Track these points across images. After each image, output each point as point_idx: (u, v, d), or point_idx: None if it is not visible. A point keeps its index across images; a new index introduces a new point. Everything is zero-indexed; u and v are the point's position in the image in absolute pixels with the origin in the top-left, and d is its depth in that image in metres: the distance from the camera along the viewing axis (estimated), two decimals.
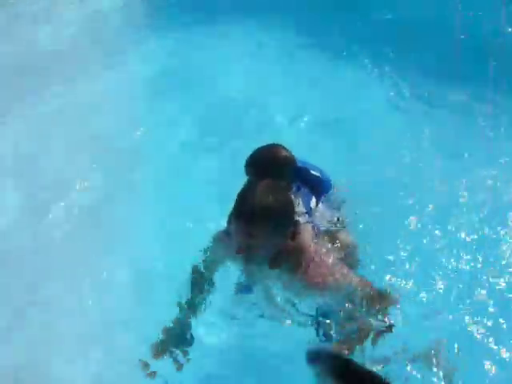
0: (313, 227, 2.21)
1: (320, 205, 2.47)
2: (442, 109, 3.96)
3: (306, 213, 2.28)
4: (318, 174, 2.52)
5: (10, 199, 3.50)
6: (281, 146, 2.36)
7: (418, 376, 2.10)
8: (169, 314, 2.30)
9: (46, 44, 5.36)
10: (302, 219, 2.15)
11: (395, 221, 2.88)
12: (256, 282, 2.24)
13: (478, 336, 2.38)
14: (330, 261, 2.05)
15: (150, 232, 3.13)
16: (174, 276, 2.45)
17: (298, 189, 2.39)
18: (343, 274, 2.00)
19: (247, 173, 2.32)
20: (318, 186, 2.52)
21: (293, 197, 2.16)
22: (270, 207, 1.84)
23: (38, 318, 2.78)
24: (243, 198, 1.91)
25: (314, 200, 2.43)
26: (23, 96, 4.44)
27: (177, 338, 2.24)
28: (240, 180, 2.24)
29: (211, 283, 2.35)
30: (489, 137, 3.59)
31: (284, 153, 2.33)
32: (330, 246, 2.28)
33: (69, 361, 2.56)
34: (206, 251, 2.32)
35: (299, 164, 2.44)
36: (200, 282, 2.34)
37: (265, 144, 2.39)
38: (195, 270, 2.35)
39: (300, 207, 2.27)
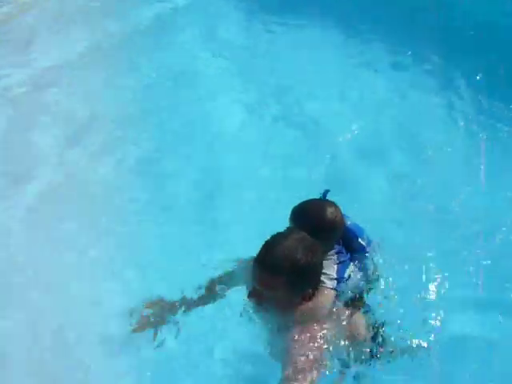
0: (336, 296, 2.09)
1: (357, 274, 2.28)
2: None
3: (337, 280, 2.13)
4: (363, 244, 2.34)
5: None
6: (334, 205, 2.19)
7: None
8: None
9: None
10: (328, 283, 2.07)
11: None
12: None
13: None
14: (318, 351, 1.89)
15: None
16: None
17: (338, 252, 2.22)
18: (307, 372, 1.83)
19: (291, 219, 2.19)
20: (361, 255, 2.34)
21: (328, 260, 2.09)
22: (294, 263, 1.80)
23: None
24: (271, 244, 1.86)
25: (351, 268, 2.24)
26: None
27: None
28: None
29: (216, 298, 2.33)
30: None
31: (335, 215, 2.14)
32: (344, 323, 2.08)
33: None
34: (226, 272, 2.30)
35: (348, 226, 2.29)
36: (207, 297, 2.32)
37: (320, 198, 2.28)
38: (207, 287, 2.31)
39: (331, 271, 2.12)
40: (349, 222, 2.30)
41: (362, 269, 2.31)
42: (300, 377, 1.78)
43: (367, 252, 2.34)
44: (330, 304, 2.02)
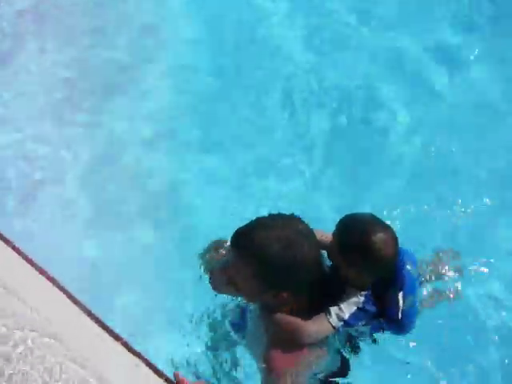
0: (334, 329, 1.75)
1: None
2: None
3: (345, 323, 1.75)
4: (398, 317, 1.80)
5: None
6: (390, 233, 1.71)
7: None
8: None
9: None
10: (333, 319, 1.73)
11: None
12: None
13: None
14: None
15: None
16: None
17: (368, 298, 1.79)
18: None
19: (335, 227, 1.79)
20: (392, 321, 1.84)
21: (353, 297, 1.73)
22: (265, 255, 1.54)
23: None
24: (256, 224, 1.61)
25: (363, 323, 1.80)
26: None
27: None
28: None
29: None
30: None
31: (383, 247, 1.67)
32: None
33: None
34: None
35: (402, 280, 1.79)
36: None
37: (377, 218, 1.76)
38: None
39: (346, 311, 1.75)
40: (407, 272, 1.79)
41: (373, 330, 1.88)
42: None
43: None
44: (318, 337, 1.72)
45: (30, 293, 1.66)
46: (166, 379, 1.55)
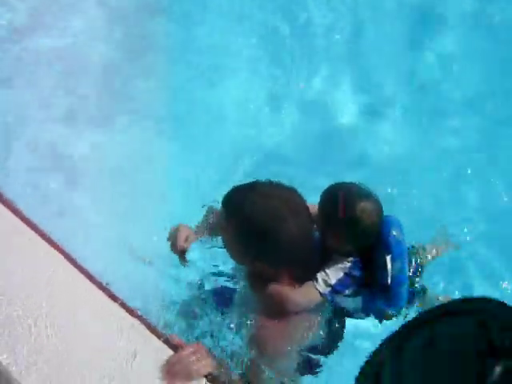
0: (322, 296, 1.72)
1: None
2: None
3: (333, 288, 1.73)
4: (387, 281, 1.72)
5: None
6: (375, 203, 1.68)
7: None
8: None
9: None
10: (320, 285, 1.70)
11: None
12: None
13: None
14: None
15: None
16: None
17: (355, 263, 1.76)
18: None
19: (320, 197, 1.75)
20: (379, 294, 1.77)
21: (338, 263, 1.70)
22: (250, 223, 1.52)
23: None
24: (249, 189, 1.58)
25: (351, 291, 1.76)
26: None
27: None
28: None
29: None
30: None
31: (366, 218, 1.65)
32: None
33: None
34: None
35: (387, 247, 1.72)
36: None
37: (361, 187, 1.73)
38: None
39: (333, 276, 1.72)
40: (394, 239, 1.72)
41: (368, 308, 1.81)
42: None
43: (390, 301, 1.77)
44: (306, 305, 1.70)
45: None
46: (165, 340, 1.57)
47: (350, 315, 1.85)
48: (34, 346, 1.47)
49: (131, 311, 1.59)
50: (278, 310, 1.65)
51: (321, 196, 1.73)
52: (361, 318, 1.89)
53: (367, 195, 1.69)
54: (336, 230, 1.69)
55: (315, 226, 1.71)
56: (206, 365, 1.50)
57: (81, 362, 1.47)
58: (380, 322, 1.85)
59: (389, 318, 1.82)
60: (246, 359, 1.68)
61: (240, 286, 1.88)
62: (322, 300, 1.70)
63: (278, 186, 1.58)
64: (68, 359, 1.47)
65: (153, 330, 1.57)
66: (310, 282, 1.69)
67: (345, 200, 1.65)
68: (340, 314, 1.82)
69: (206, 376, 1.50)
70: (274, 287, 1.64)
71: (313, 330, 1.72)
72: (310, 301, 1.69)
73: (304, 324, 1.70)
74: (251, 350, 1.67)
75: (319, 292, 1.69)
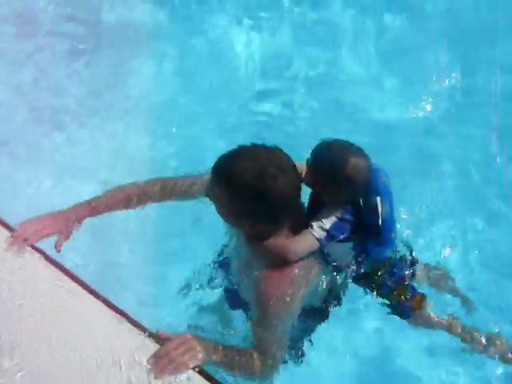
0: (319, 242, 1.74)
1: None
2: None
3: (328, 233, 1.75)
4: (378, 222, 1.80)
5: None
6: (364, 158, 1.72)
7: None
8: None
9: None
10: (316, 231, 1.73)
11: None
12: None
13: None
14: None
15: None
16: None
17: (346, 210, 1.79)
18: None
19: (310, 154, 1.78)
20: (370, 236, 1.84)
21: (331, 209, 1.74)
22: (239, 184, 1.54)
23: None
24: (233, 154, 1.59)
25: (345, 236, 1.80)
26: None
27: None
28: None
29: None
30: None
31: (357, 173, 1.69)
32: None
33: None
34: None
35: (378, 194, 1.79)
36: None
37: (350, 143, 1.75)
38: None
39: (327, 221, 1.75)
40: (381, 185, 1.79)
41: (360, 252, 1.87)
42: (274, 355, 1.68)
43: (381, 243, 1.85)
44: (304, 252, 1.71)
45: None
46: (150, 334, 1.53)
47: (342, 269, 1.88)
48: None
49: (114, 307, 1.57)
50: (279, 262, 1.68)
51: (311, 153, 1.75)
52: (353, 278, 1.94)
53: (357, 150, 1.72)
54: (328, 186, 1.74)
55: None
56: (195, 355, 1.49)
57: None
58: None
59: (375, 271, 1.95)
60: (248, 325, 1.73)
61: (235, 252, 1.91)
62: (318, 245, 1.73)
63: (263, 148, 1.60)
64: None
65: (135, 324, 1.54)
66: (306, 230, 1.72)
67: (336, 156, 1.70)
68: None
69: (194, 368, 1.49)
70: (272, 241, 1.68)
71: (315, 276, 1.77)
72: (309, 247, 1.72)
73: (306, 269, 1.72)
74: (257, 303, 1.69)
75: (315, 238, 1.72)
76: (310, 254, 1.73)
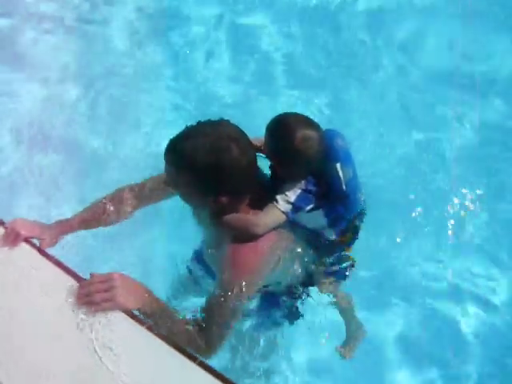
0: (285, 215, 1.75)
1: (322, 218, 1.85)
2: None
3: (294, 206, 1.74)
4: (343, 188, 1.79)
5: None
6: (316, 130, 1.71)
7: None
8: None
9: None
10: (281, 204, 1.73)
11: None
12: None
13: None
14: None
15: None
16: None
17: (309, 181, 1.80)
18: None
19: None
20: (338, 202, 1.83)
21: (294, 183, 1.75)
22: (192, 163, 1.55)
23: None
24: (181, 136, 1.60)
25: (311, 206, 1.80)
26: None
27: None
28: None
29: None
30: None
31: (307, 146, 1.68)
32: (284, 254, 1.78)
33: None
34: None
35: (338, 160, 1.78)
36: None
37: (304, 116, 1.75)
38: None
39: (291, 194, 1.74)
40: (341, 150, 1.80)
41: (333, 219, 1.86)
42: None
43: (347, 204, 1.84)
44: (270, 225, 1.71)
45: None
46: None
47: (320, 237, 1.90)
48: None
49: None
50: (245, 237, 1.67)
51: (266, 128, 1.76)
52: (330, 243, 1.93)
53: (306, 124, 1.72)
54: (281, 161, 1.75)
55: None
56: (116, 297, 1.44)
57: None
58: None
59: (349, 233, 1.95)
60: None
61: (205, 237, 1.96)
62: (284, 219, 1.73)
63: (209, 123, 1.62)
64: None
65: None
66: (271, 204, 1.73)
67: (287, 130, 1.70)
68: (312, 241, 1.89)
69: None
70: (236, 216, 1.69)
71: (282, 248, 1.77)
72: (274, 220, 1.72)
73: (276, 243, 1.73)
74: (220, 276, 1.69)
75: (281, 211, 1.73)
76: (283, 227, 1.74)
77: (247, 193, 1.70)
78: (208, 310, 1.62)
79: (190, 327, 1.58)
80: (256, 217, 1.70)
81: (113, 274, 1.48)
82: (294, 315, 2.10)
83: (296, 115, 1.75)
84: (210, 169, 1.55)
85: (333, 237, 1.90)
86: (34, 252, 1.65)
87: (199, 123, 1.61)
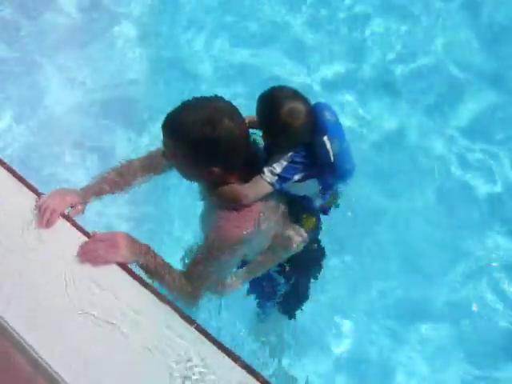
0: (271, 185, 1.83)
1: (315, 187, 1.94)
2: None
3: (280, 177, 1.83)
4: (330, 159, 1.85)
5: None
6: (303, 103, 1.78)
7: None
8: None
9: None
10: (267, 176, 1.82)
11: None
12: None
13: None
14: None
15: None
16: None
17: (298, 152, 1.86)
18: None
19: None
20: (324, 172, 1.90)
21: (281, 155, 1.82)
22: (187, 135, 1.65)
23: None
24: (179, 109, 1.70)
25: (299, 176, 1.88)
26: None
27: None
28: None
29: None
30: None
31: (293, 118, 1.75)
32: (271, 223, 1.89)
33: None
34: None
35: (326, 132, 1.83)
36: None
37: (293, 90, 1.81)
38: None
39: (277, 166, 1.83)
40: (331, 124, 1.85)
41: (325, 188, 1.96)
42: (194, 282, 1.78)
43: (336, 173, 1.90)
44: (257, 196, 1.81)
45: None
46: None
47: (312, 204, 1.99)
48: None
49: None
50: (234, 206, 1.78)
51: (256, 100, 1.83)
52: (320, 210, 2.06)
53: (294, 97, 1.78)
54: (270, 132, 1.83)
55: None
56: (117, 252, 1.63)
57: None
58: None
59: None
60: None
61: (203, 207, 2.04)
62: (271, 189, 1.83)
63: (204, 98, 1.71)
64: None
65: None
66: (258, 176, 1.82)
67: (273, 103, 1.77)
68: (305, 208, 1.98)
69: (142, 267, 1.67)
70: (227, 187, 1.79)
71: (271, 218, 1.86)
72: (261, 191, 1.82)
73: (266, 213, 1.83)
74: (208, 235, 1.81)
75: (267, 182, 1.81)
76: (270, 198, 1.84)
77: (239, 165, 1.78)
78: (192, 264, 1.81)
79: (181, 277, 1.76)
80: (243, 187, 1.79)
81: (114, 232, 1.69)
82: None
83: (285, 88, 1.82)
84: (203, 140, 1.65)
85: (320, 203, 2.00)
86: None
87: (194, 98, 1.71)
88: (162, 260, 1.75)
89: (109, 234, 1.70)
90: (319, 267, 2.25)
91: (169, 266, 1.75)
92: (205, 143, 1.66)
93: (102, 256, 1.64)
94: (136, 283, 1.63)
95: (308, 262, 2.19)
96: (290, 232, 1.97)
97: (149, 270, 1.70)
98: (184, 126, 1.66)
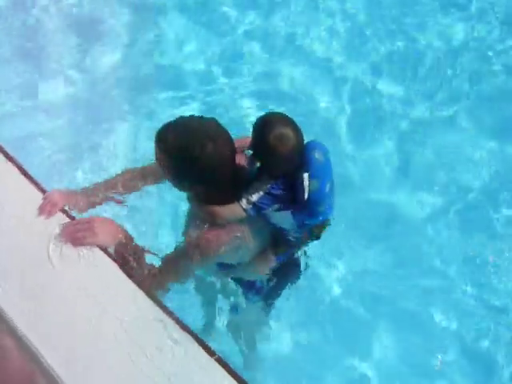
0: (245, 212, 1.90)
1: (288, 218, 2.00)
2: None
3: (255, 206, 1.90)
4: (304, 197, 1.89)
5: None
6: (292, 129, 1.82)
7: None
8: None
9: None
10: (243, 202, 1.89)
11: None
12: None
13: None
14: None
15: None
16: None
17: (276, 184, 1.92)
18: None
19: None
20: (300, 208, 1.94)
21: (261, 184, 1.88)
22: (178, 150, 1.71)
23: None
24: (174, 124, 1.75)
25: (273, 208, 1.94)
26: None
27: None
28: None
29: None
30: None
31: (280, 144, 1.80)
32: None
33: None
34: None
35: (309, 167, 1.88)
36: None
37: (286, 117, 1.86)
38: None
39: (254, 195, 1.91)
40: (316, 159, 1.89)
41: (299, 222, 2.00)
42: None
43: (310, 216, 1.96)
44: (231, 218, 1.89)
45: None
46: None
47: (287, 234, 2.07)
48: None
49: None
50: (211, 224, 1.87)
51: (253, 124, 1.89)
52: (298, 241, 2.12)
53: (287, 124, 1.83)
54: (258, 154, 1.87)
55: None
56: (94, 235, 1.71)
57: None
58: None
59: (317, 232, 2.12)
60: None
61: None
62: (245, 215, 1.90)
63: (197, 118, 1.77)
64: None
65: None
66: (236, 202, 1.90)
67: (264, 128, 1.82)
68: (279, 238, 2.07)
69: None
70: (207, 207, 1.88)
71: (243, 238, 1.94)
72: (235, 215, 1.89)
73: (235, 232, 1.91)
74: (187, 239, 1.90)
75: (243, 208, 1.89)
76: (254, 220, 1.92)
77: (223, 186, 1.85)
78: (165, 261, 1.87)
79: (147, 270, 1.81)
80: (221, 209, 1.87)
81: (95, 218, 1.80)
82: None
83: (281, 115, 1.88)
84: (184, 160, 1.73)
85: (297, 235, 2.08)
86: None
87: (191, 116, 1.78)
88: (139, 248, 1.81)
89: (89, 218, 1.79)
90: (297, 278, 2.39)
91: (142, 254, 1.81)
92: (185, 163, 1.74)
93: (80, 238, 1.73)
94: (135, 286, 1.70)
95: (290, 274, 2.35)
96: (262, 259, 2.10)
97: (125, 259, 1.75)
98: (168, 142, 1.72)
